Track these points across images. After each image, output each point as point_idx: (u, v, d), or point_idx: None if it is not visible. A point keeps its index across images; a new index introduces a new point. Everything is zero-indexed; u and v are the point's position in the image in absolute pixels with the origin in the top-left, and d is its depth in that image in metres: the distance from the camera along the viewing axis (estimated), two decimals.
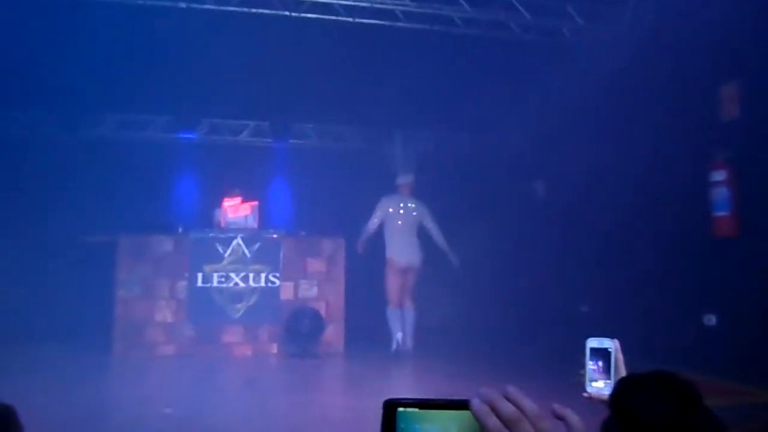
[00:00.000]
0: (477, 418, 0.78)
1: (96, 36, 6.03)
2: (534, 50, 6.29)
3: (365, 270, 7.83)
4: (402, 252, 6.91)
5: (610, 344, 1.05)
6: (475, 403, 0.78)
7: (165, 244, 6.78)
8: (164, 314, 6.71)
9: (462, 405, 0.79)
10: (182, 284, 6.78)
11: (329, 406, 5.51)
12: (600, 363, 1.03)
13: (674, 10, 5.67)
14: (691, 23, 5.39)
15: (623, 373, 1.04)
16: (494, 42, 6.24)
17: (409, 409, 0.78)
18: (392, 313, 6.91)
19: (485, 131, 8.29)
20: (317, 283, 7.19)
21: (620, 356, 1.05)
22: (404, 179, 7.07)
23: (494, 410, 0.78)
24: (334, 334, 7.09)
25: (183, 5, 5.79)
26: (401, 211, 6.97)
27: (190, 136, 8.15)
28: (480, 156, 8.58)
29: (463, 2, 6.08)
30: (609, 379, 1.02)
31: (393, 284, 6.93)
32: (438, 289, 7.85)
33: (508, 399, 0.80)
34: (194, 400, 5.27)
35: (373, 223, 6.93)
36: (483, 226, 7.88)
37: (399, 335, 6.83)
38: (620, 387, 1.06)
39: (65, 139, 7.30)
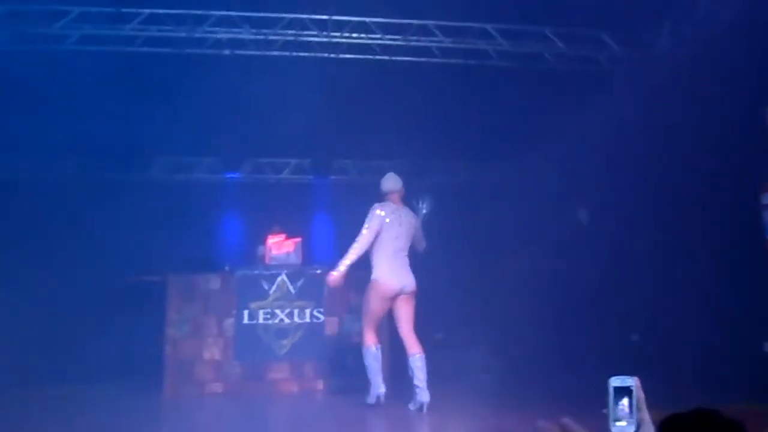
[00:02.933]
0: None
1: (145, 84, 6.33)
2: (572, 79, 6.31)
3: None
4: (396, 273, 5.59)
5: (632, 382, 1.05)
6: None
7: (212, 283, 6.92)
8: (212, 352, 6.81)
9: None
10: (229, 322, 6.89)
11: None
12: (624, 402, 1.03)
13: (712, 30, 5.63)
14: (731, 42, 5.34)
15: (645, 411, 1.04)
16: (530, 73, 6.29)
17: None
18: (375, 356, 5.64)
19: (524, 161, 8.29)
20: (361, 318, 7.19)
21: (641, 394, 1.05)
22: (397, 184, 5.84)
23: None
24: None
25: (227, 52, 6.02)
26: (399, 224, 5.68)
27: (235, 176, 8.39)
28: (520, 186, 8.56)
29: (498, 36, 6.16)
30: (632, 417, 1.02)
31: (378, 315, 5.64)
32: (477, 321, 7.80)
33: (565, 431, 0.82)
34: None
35: (367, 240, 5.54)
36: (526, 255, 7.82)
37: (382, 389, 5.64)
38: (666, 427, 1.05)
39: (118, 181, 7.61)
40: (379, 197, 5.84)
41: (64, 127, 6.36)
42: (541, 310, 8.00)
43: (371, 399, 5.66)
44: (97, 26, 5.64)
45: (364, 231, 5.56)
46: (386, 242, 5.62)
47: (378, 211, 5.65)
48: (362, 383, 6.85)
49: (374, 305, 5.63)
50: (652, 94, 5.88)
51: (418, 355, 5.51)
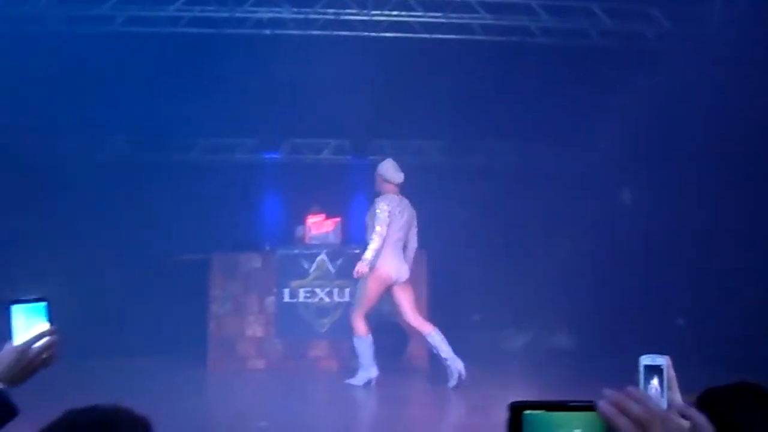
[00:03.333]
0: (607, 419, 0.78)
1: (185, 66, 6.40)
2: (617, 56, 6.13)
3: (447, 283, 7.83)
4: (394, 262, 5.82)
5: (663, 361, 1.02)
6: (603, 404, 0.79)
7: (254, 261, 7.02)
8: (254, 329, 6.93)
9: (588, 407, 0.79)
10: (270, 300, 6.99)
11: (419, 420, 5.52)
12: (654, 381, 1.00)
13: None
14: None
15: (676, 391, 1.01)
16: (575, 50, 6.13)
17: (535, 412, 0.79)
18: (370, 344, 5.81)
19: (567, 140, 8.13)
20: None
21: (672, 373, 1.02)
22: (400, 176, 6.02)
23: (623, 411, 0.78)
24: (417, 348, 7.09)
25: (267, 32, 6.04)
26: (402, 216, 5.91)
27: (274, 156, 8.44)
28: (561, 166, 8.42)
29: (542, 12, 6.02)
30: (663, 397, 0.99)
31: (374, 302, 5.87)
32: (516, 303, 7.76)
33: (631, 398, 0.81)
34: (286, 415, 5.41)
35: (384, 235, 5.76)
36: (567, 236, 7.70)
37: (375, 373, 5.82)
38: (714, 401, 1.02)
39: (162, 163, 7.74)
40: (378, 183, 6.05)
41: (111, 108, 6.47)
42: (583, 292, 7.90)
43: (359, 381, 5.86)
44: (143, 7, 5.70)
45: (379, 229, 5.74)
46: (390, 233, 5.80)
47: (386, 207, 5.85)
48: (402, 363, 6.91)
49: (372, 292, 5.82)
50: (703, 72, 5.68)
51: (433, 332, 5.73)
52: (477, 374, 6.52)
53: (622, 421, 0.77)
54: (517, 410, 0.79)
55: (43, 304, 1.40)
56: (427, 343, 5.83)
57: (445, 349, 5.68)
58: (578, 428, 0.79)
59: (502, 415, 0.81)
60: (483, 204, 8.12)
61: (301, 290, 7.04)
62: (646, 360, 1.00)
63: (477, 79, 6.80)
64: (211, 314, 6.87)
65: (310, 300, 7.04)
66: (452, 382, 5.67)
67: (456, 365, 5.65)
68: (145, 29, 5.87)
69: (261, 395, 6.08)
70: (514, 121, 7.73)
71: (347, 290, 7.14)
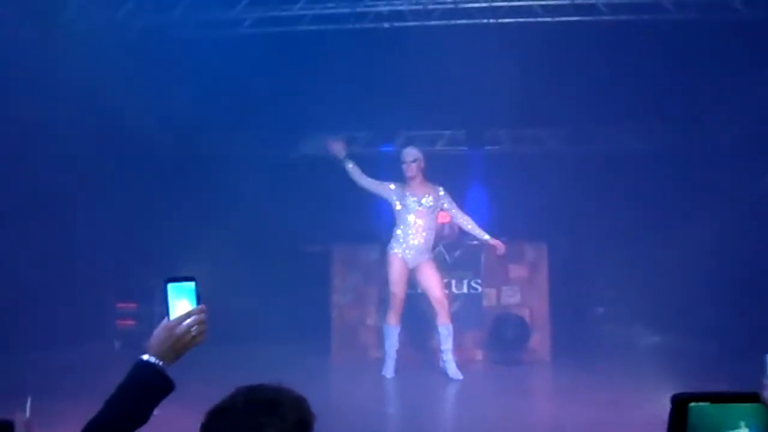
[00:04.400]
0: None
1: (309, 62, 6.59)
2: (751, 31, 5.61)
3: (569, 276, 7.58)
4: None
5: None
6: None
7: (373, 253, 7.13)
8: (374, 319, 7.05)
9: (753, 398, 0.80)
10: (388, 290, 7.06)
11: (542, 414, 5.40)
12: None
13: None
14: None
15: None
16: (715, 25, 5.69)
17: (701, 404, 0.79)
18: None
19: (699, 124, 7.60)
20: (519, 290, 7.10)
21: None
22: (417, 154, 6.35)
23: None
24: (539, 341, 6.94)
25: (386, 25, 6.10)
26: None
27: (389, 149, 8.52)
28: (691, 152, 7.88)
29: None
30: None
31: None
32: (640, 296, 7.39)
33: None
34: (409, 403, 5.47)
35: None
36: (701, 226, 7.21)
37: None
38: None
39: (286, 156, 8.06)
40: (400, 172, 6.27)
41: (238, 107, 6.80)
42: (719, 286, 7.37)
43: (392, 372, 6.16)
44: (268, 8, 5.94)
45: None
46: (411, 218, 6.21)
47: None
48: (521, 355, 6.77)
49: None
50: None
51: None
52: (606, 368, 6.30)
53: None
54: (682, 402, 0.80)
55: (192, 283, 1.44)
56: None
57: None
58: (743, 419, 0.78)
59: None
60: (605, 193, 7.77)
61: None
62: None
63: (600, 62, 6.49)
64: (333, 303, 7.07)
65: (419, 290, 7.04)
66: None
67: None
68: (271, 29, 6.10)
69: (383, 383, 6.16)
70: (636, 104, 7.33)
71: (465, 282, 7.11)
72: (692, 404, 0.79)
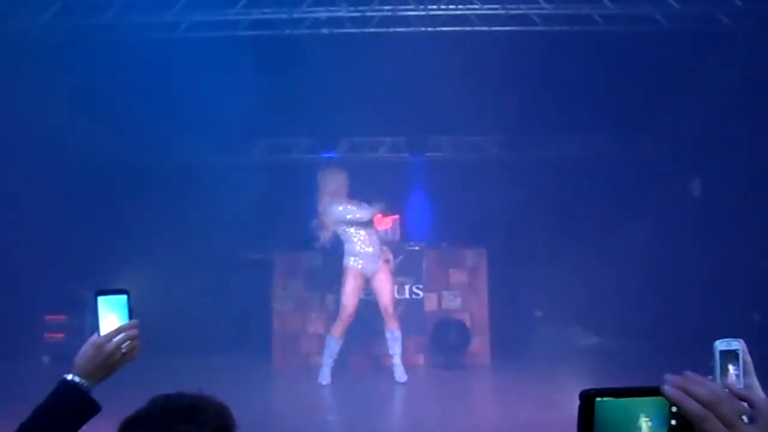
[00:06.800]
0: (675, 402, 0.81)
1: (244, 68, 6.50)
2: (687, 42, 5.87)
3: (508, 281, 7.73)
4: None
5: (738, 345, 0.97)
6: (668, 388, 0.81)
7: (314, 260, 7.10)
8: (316, 326, 7.01)
9: (654, 391, 0.82)
10: (331, 297, 7.04)
11: (483, 416, 5.47)
12: (730, 367, 0.96)
13: None
14: None
15: (753, 376, 0.96)
16: (640, 37, 5.92)
17: (605, 398, 0.82)
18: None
19: (631, 133, 7.88)
20: (460, 295, 7.19)
21: (748, 358, 0.97)
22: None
23: (689, 394, 0.80)
24: (480, 345, 7.03)
25: (325, 31, 6.09)
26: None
27: (332, 155, 8.51)
28: (624, 159, 8.16)
29: None
30: (739, 383, 0.94)
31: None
32: (578, 299, 7.59)
33: (691, 381, 0.82)
34: (351, 409, 5.45)
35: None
36: (635, 231, 7.47)
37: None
38: None
39: (224, 163, 7.92)
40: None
41: (173, 113, 6.66)
42: (653, 288, 7.65)
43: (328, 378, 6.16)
44: (205, 12, 5.84)
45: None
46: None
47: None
48: (462, 359, 6.84)
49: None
50: None
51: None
52: (545, 370, 6.43)
53: (690, 404, 0.80)
54: (588, 398, 0.83)
55: (124, 296, 1.36)
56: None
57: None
58: (645, 412, 0.82)
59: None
60: (544, 199, 7.96)
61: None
62: (721, 345, 0.97)
63: (536, 71, 6.66)
64: (274, 311, 6.98)
65: (370, 297, 7.05)
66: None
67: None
68: (207, 34, 6.01)
69: (324, 390, 6.12)
70: (574, 113, 7.54)
71: (407, 287, 7.14)
72: (598, 399, 0.82)
